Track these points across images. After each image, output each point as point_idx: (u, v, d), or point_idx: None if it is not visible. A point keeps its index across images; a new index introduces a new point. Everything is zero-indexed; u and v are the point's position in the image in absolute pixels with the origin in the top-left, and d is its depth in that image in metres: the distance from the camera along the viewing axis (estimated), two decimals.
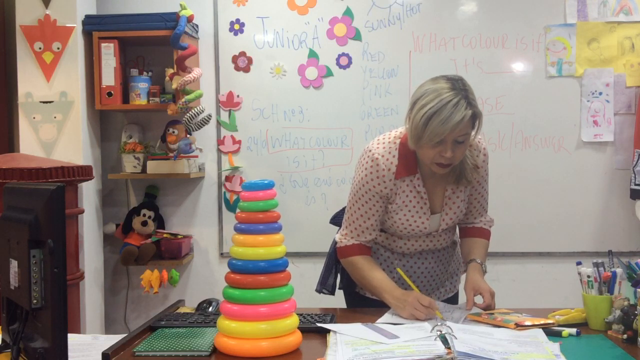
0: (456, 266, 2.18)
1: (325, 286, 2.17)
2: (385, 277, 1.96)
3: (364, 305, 2.09)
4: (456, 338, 1.49)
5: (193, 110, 3.13)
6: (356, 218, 2.00)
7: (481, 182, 2.04)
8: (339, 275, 2.18)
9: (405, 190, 1.95)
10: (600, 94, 3.32)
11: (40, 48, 3.13)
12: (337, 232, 2.12)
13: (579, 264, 1.79)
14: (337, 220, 2.23)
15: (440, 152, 1.82)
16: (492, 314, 1.83)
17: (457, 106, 1.76)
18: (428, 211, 1.98)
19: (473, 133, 1.86)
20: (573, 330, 1.68)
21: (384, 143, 1.95)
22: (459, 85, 1.80)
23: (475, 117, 1.82)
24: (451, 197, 2.00)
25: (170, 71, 3.22)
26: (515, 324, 1.71)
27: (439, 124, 1.75)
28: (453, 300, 2.17)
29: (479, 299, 1.92)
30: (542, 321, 1.73)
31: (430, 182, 1.98)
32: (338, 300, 2.22)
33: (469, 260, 2.03)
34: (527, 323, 1.71)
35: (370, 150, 1.96)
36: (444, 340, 1.51)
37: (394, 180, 1.93)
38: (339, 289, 2.20)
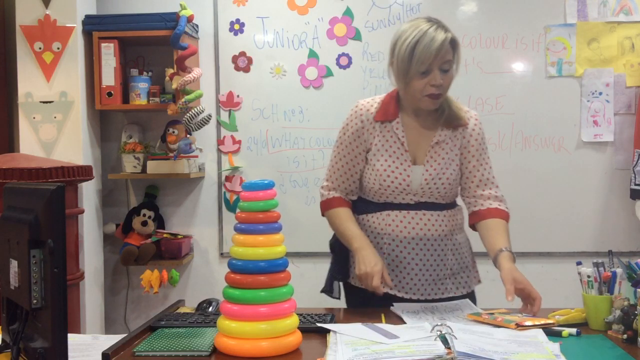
0: (461, 264, 2.07)
1: (332, 291, 2.17)
2: (355, 227, 2.01)
3: (357, 296, 2.08)
4: (456, 338, 1.49)
5: (193, 110, 3.13)
6: (337, 167, 2.08)
7: (476, 147, 2.04)
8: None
9: (385, 136, 2.01)
10: (600, 94, 3.32)
11: (40, 48, 3.13)
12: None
13: (579, 264, 1.79)
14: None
15: (429, 81, 1.91)
16: (493, 314, 1.82)
17: (436, 31, 1.90)
18: (408, 158, 1.99)
19: (455, 65, 1.95)
20: (573, 330, 1.68)
21: (371, 97, 2.10)
22: (433, 19, 1.96)
23: (454, 43, 1.94)
24: (437, 148, 2.00)
25: (170, 71, 3.22)
26: (516, 324, 1.71)
27: (423, 49, 1.88)
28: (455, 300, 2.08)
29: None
30: (543, 321, 1.73)
31: (415, 132, 2.01)
32: (338, 300, 2.22)
33: (497, 251, 1.93)
34: (528, 323, 1.71)
35: (356, 101, 2.10)
36: (444, 340, 1.51)
37: (372, 122, 2.02)
38: (333, 279, 2.17)
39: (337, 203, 2.08)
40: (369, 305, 1.99)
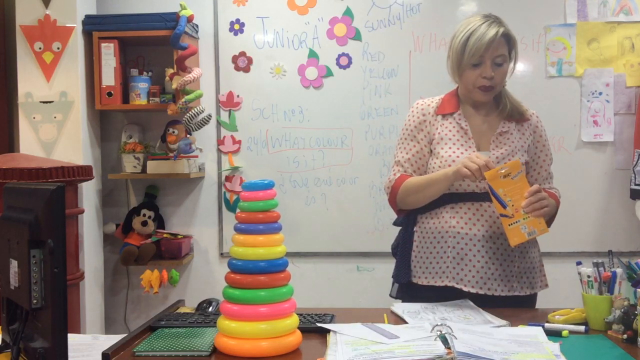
0: (528, 264, 2.06)
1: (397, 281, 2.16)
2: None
3: (419, 293, 2.07)
4: (456, 338, 1.49)
5: (193, 110, 3.13)
6: (401, 157, 2.12)
7: (542, 142, 2.12)
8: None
9: (448, 127, 2.07)
10: (600, 94, 3.32)
11: (40, 48, 3.13)
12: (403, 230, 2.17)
13: (579, 264, 1.79)
14: (397, 221, 2.23)
15: (481, 73, 1.99)
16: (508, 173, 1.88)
17: (490, 25, 1.98)
18: (473, 145, 2.03)
19: (512, 64, 2.03)
20: (581, 328, 1.69)
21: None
22: (490, 15, 2.04)
23: (509, 39, 2.01)
24: (501, 137, 2.05)
25: (170, 71, 3.22)
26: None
27: (476, 41, 1.96)
28: (520, 299, 2.06)
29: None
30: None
31: (477, 123, 2.07)
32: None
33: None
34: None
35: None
36: (444, 340, 1.51)
37: (434, 115, 2.09)
38: (392, 278, 2.18)
39: (406, 177, 2.08)
40: (431, 301, 1.98)
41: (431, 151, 2.08)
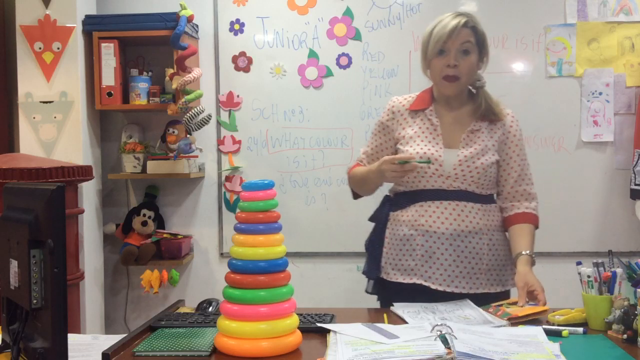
0: (497, 261, 2.08)
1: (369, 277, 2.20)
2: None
3: (387, 288, 2.11)
4: (456, 338, 1.49)
5: (193, 110, 3.13)
6: (364, 149, 2.23)
7: (516, 142, 2.11)
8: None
9: (418, 123, 2.09)
10: (600, 94, 3.32)
11: (40, 48, 3.13)
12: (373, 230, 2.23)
13: (579, 264, 1.79)
14: (372, 218, 2.26)
15: (446, 62, 2.00)
16: (501, 305, 1.87)
17: (456, 17, 2.02)
18: (441, 141, 2.04)
19: (480, 57, 2.05)
20: (580, 329, 1.69)
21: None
22: (463, 12, 2.07)
23: (476, 32, 2.03)
24: (471, 135, 2.06)
25: (170, 71, 3.22)
26: (509, 318, 1.74)
27: (440, 29, 2.01)
28: (487, 296, 2.07)
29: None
30: (534, 310, 1.76)
31: (449, 121, 2.08)
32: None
33: (516, 254, 2.01)
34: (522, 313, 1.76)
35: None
36: (444, 340, 1.51)
37: (404, 113, 2.12)
38: (363, 274, 2.21)
39: (357, 165, 2.22)
40: (400, 298, 2.00)
41: (396, 148, 2.12)
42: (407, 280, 2.05)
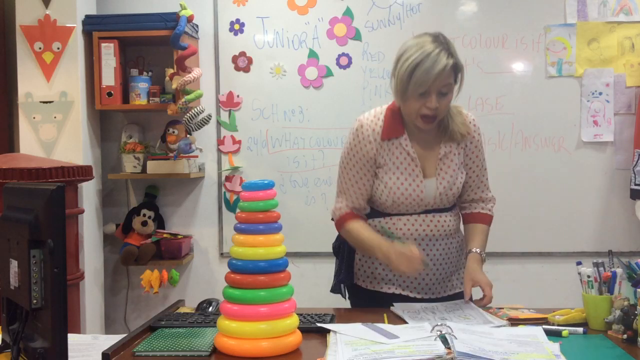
0: (462, 262, 2.15)
1: (339, 283, 2.18)
2: (378, 237, 1.99)
3: (362, 297, 2.11)
4: (456, 338, 1.49)
5: (193, 110, 3.13)
6: (346, 186, 2.07)
7: (475, 152, 2.08)
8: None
9: (394, 153, 2.01)
10: (600, 94, 3.32)
11: (40, 48, 3.13)
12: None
13: (579, 264, 1.79)
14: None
15: (425, 103, 1.90)
16: (502, 308, 1.89)
17: (439, 56, 1.87)
18: (420, 173, 2.00)
19: (456, 89, 1.95)
20: (580, 329, 1.69)
21: (371, 112, 2.06)
22: (440, 39, 1.91)
23: (457, 68, 1.92)
24: (444, 160, 2.02)
25: (170, 71, 3.22)
26: (509, 318, 1.75)
27: (423, 73, 1.86)
28: (461, 295, 2.11)
29: (476, 292, 1.95)
30: (536, 316, 1.77)
31: (421, 145, 2.03)
32: (338, 300, 2.22)
33: (467, 251, 2.07)
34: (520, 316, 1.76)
35: (357, 119, 2.06)
36: (444, 340, 1.51)
37: (379, 142, 2.00)
38: (340, 282, 2.19)
39: (352, 217, 2.06)
40: (373, 305, 2.03)
41: (376, 173, 2.04)
42: (386, 290, 2.07)
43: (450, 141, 2.04)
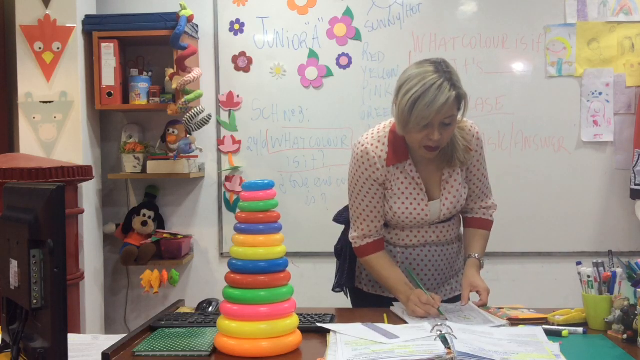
0: (462, 265, 2.16)
1: (340, 285, 2.19)
2: (398, 277, 1.97)
3: (364, 300, 2.12)
4: (456, 338, 1.49)
5: (193, 110, 3.13)
6: (360, 212, 2.02)
7: (477, 166, 2.05)
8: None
9: (399, 178, 1.98)
10: (600, 94, 3.32)
11: (40, 48, 3.13)
12: (349, 232, 2.12)
13: (579, 264, 1.79)
14: (340, 218, 2.24)
15: (428, 135, 1.84)
16: (501, 308, 1.89)
17: (440, 88, 1.78)
18: (425, 197, 1.99)
19: (459, 116, 1.88)
20: (580, 329, 1.69)
21: (372, 134, 2.00)
22: (442, 68, 1.82)
23: (460, 99, 1.84)
24: (448, 181, 2.01)
25: (170, 71, 3.22)
26: (509, 318, 1.75)
27: (424, 107, 1.78)
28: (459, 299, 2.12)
29: (474, 296, 1.96)
30: (536, 316, 1.77)
31: (425, 168, 2.00)
32: (338, 300, 2.22)
33: (467, 256, 2.07)
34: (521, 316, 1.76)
35: (360, 143, 2.00)
36: (444, 340, 1.51)
37: (386, 168, 1.96)
38: (342, 285, 2.20)
39: (372, 249, 2.03)
40: (375, 306, 2.04)
41: (384, 195, 2.01)
42: (387, 294, 2.07)
43: (453, 166, 2.01)
